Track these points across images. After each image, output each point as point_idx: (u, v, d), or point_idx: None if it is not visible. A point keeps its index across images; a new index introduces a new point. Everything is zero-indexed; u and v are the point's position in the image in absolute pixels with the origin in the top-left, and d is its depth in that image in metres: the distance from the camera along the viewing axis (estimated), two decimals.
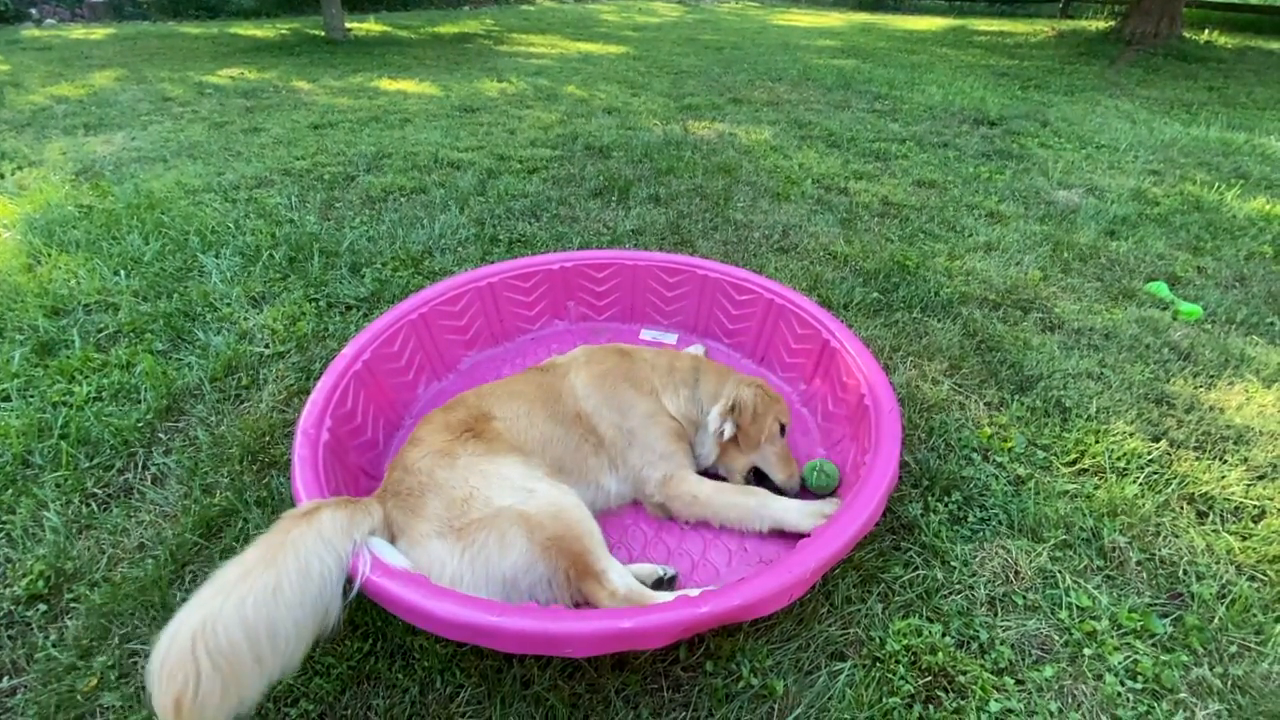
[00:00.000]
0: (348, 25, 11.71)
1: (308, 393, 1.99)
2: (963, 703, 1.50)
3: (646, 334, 2.90)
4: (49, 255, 3.29)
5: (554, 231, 3.77)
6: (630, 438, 1.99)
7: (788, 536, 1.87)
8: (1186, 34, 11.56)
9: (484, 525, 1.52)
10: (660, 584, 1.71)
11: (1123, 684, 1.55)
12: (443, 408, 1.94)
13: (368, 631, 1.62)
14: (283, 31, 11.91)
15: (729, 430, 2.02)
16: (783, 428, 2.09)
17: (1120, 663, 1.59)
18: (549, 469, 1.81)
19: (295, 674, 1.51)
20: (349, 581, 1.37)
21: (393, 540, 1.57)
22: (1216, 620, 1.69)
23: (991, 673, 1.56)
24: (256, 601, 1.18)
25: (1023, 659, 1.61)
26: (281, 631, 1.20)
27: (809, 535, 1.68)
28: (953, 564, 1.83)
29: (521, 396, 1.95)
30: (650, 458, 1.97)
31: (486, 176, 4.60)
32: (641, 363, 2.17)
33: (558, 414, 1.96)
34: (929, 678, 1.55)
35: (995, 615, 1.71)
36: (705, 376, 2.18)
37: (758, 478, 2.11)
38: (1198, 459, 2.22)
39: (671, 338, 2.88)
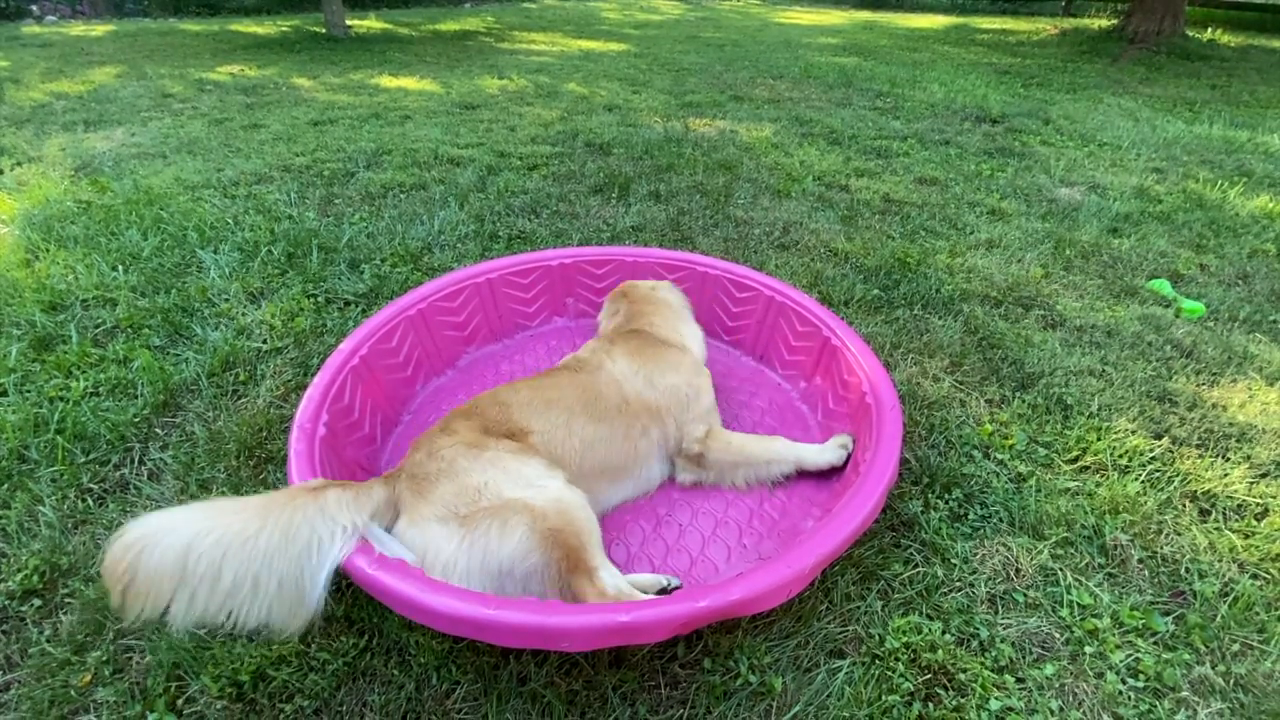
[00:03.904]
0: (348, 22, 11.70)
1: (305, 388, 1.98)
2: (962, 700, 1.49)
3: None
4: (47, 251, 3.28)
5: (554, 228, 3.76)
6: (691, 393, 2.08)
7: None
8: (1189, 32, 11.53)
9: (490, 514, 1.51)
10: (664, 595, 1.66)
11: (1124, 682, 1.54)
12: (480, 407, 1.86)
13: (364, 627, 1.61)
14: (283, 28, 11.90)
15: None
16: None
17: (1122, 661, 1.58)
18: (592, 473, 1.83)
19: (290, 671, 1.50)
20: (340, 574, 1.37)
21: (394, 519, 1.56)
22: (1219, 618, 1.68)
23: (992, 670, 1.55)
24: (217, 541, 1.24)
25: (1023, 657, 1.59)
26: (229, 577, 1.24)
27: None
28: (953, 561, 1.82)
29: (559, 404, 1.89)
30: (699, 412, 2.07)
31: (486, 173, 4.58)
32: (653, 324, 2.30)
33: (600, 411, 1.92)
34: (929, 675, 1.54)
35: (996, 613, 1.69)
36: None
37: None
38: (1200, 457, 2.21)
39: None
